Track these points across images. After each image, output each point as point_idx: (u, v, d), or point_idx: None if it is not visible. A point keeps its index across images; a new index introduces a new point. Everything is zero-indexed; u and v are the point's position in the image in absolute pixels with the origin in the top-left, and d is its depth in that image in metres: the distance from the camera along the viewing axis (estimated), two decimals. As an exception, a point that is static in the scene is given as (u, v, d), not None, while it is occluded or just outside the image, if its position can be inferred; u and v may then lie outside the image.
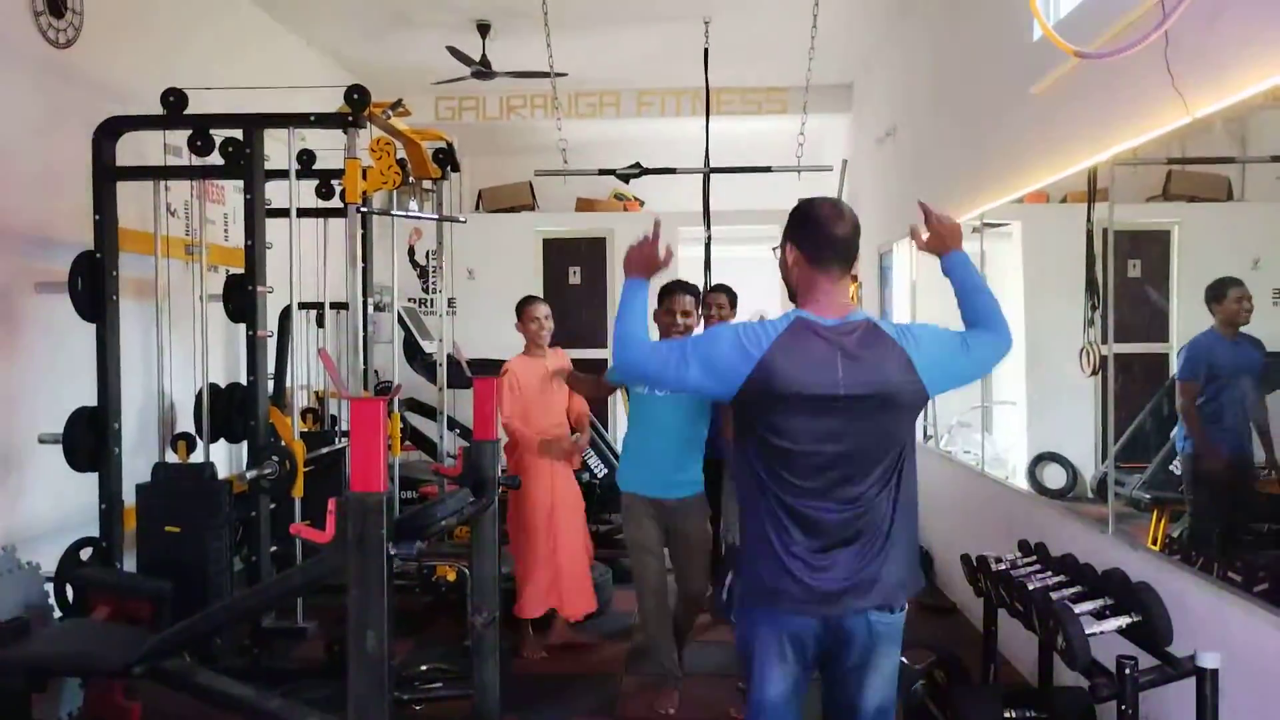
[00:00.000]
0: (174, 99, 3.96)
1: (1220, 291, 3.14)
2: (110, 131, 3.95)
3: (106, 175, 3.94)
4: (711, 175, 6.52)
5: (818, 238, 2.22)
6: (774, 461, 2.17)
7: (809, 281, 2.24)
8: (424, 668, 4.08)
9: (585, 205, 9.24)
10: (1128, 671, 2.42)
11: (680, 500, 3.84)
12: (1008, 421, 5.08)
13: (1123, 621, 2.62)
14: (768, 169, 6.73)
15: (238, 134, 4.06)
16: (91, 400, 3.92)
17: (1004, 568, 3.20)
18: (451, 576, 4.64)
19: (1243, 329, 3.11)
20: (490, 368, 4.29)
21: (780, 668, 2.24)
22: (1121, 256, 3.59)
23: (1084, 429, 4.00)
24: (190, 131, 4.05)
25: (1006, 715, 3.02)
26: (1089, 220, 3.73)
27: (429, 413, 6.51)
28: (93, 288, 3.90)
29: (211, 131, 4.10)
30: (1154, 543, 3.34)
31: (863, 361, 2.12)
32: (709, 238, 6.49)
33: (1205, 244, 3.66)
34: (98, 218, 3.91)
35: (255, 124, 3.96)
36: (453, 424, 6.34)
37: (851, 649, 2.22)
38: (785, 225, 2.30)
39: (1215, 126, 2.95)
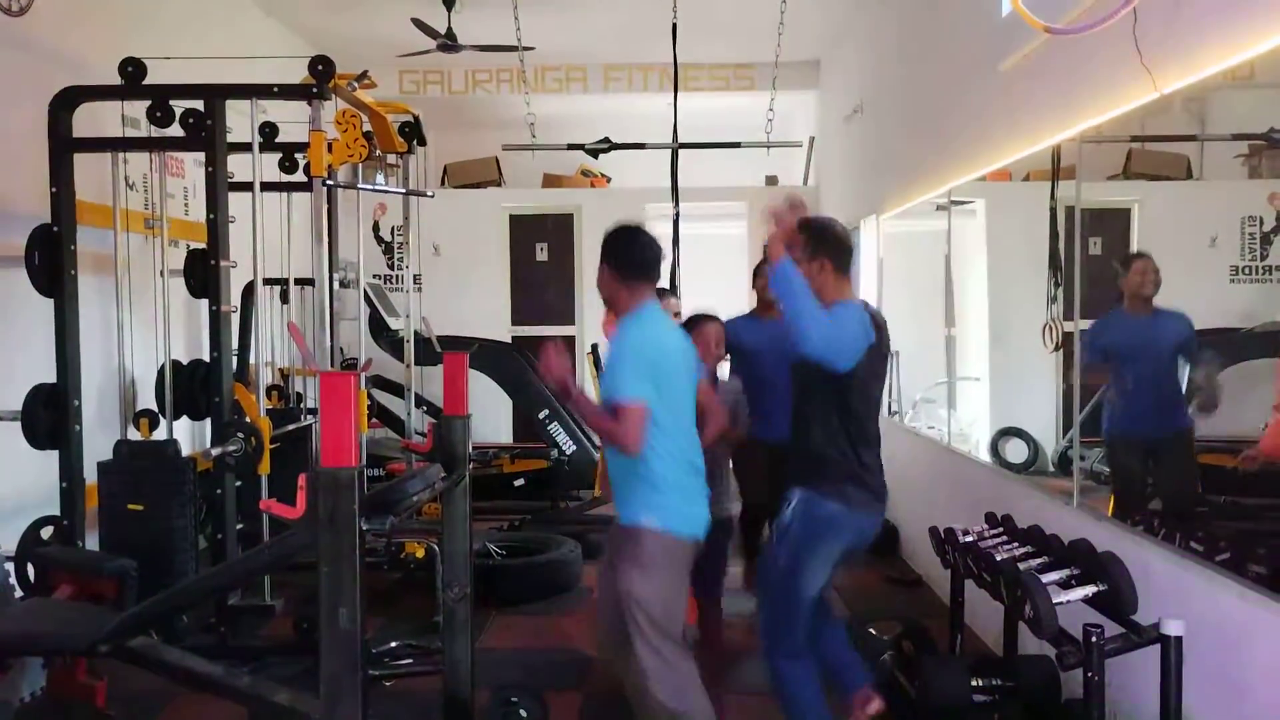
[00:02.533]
0: (132, 69, 3.86)
1: (1125, 265, 3.18)
2: (67, 102, 3.85)
3: (63, 147, 3.84)
4: (680, 151, 6.50)
5: (844, 253, 3.02)
6: (860, 400, 2.99)
7: (839, 285, 2.98)
8: (394, 644, 4.07)
9: (552, 181, 9.16)
10: (1095, 639, 2.46)
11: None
12: (972, 397, 5.14)
13: (1089, 591, 2.66)
14: (737, 145, 6.72)
15: (198, 105, 3.97)
16: (50, 377, 3.84)
17: (972, 539, 3.24)
18: (420, 553, 4.61)
19: (1170, 305, 3.12)
20: (459, 344, 4.25)
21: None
22: (1083, 234, 3.64)
23: (1045, 405, 4.05)
24: (149, 102, 3.96)
25: (974, 684, 3.07)
26: (1052, 198, 3.77)
27: (395, 390, 6.46)
28: (50, 262, 3.82)
29: (171, 103, 4.01)
30: (1112, 514, 3.40)
31: (884, 329, 3.07)
32: (677, 214, 6.47)
33: (1164, 222, 3.71)
34: (55, 190, 3.82)
35: (217, 95, 3.87)
36: (420, 401, 6.31)
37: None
38: (816, 242, 2.97)
39: (1175, 106, 2.98)
